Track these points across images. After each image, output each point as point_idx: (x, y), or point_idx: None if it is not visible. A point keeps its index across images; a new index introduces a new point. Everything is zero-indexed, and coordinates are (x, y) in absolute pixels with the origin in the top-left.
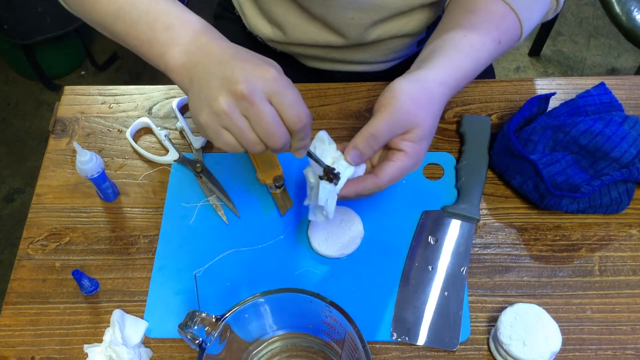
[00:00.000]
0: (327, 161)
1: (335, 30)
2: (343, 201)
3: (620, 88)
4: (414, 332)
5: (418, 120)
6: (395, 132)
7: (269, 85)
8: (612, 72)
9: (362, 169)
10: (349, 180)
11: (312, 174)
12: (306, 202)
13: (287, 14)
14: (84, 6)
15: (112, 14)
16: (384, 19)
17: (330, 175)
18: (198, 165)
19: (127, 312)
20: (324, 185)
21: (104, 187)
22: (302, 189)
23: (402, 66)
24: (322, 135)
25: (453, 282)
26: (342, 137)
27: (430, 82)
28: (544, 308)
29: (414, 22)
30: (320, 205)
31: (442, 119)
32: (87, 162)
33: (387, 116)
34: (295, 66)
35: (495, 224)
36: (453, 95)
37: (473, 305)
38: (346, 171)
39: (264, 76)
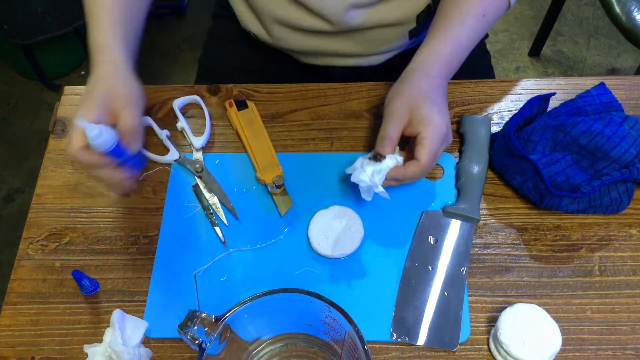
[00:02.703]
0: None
1: (316, 12)
2: (343, 201)
3: (620, 88)
4: (414, 332)
5: (412, 104)
6: (399, 125)
7: None
8: (612, 72)
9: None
10: (394, 167)
11: (359, 163)
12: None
13: (270, 1)
14: None
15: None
16: (363, 4)
17: (378, 156)
18: (198, 165)
19: (127, 312)
20: (371, 163)
21: (125, 159)
22: (302, 189)
23: (396, 60)
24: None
25: (453, 282)
26: (342, 137)
27: (409, 72)
28: (544, 308)
29: (402, 10)
30: (368, 184)
31: None
32: (97, 136)
33: (386, 119)
34: (291, 64)
35: (495, 224)
36: (440, 69)
37: (473, 305)
38: (388, 160)
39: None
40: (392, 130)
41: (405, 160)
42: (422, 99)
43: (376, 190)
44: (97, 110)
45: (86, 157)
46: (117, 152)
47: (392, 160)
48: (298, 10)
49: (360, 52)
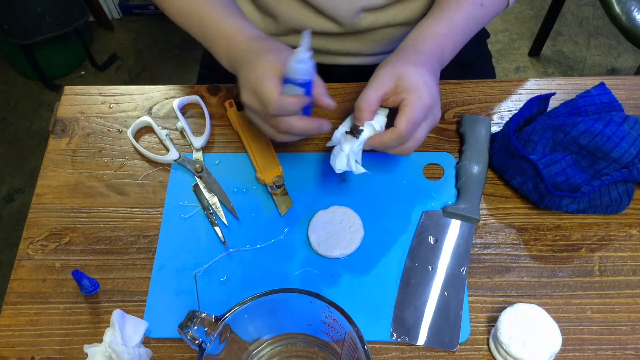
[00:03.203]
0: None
1: (327, 15)
2: (343, 201)
3: (620, 88)
4: (413, 332)
5: (398, 74)
6: (379, 90)
7: (252, 87)
8: (612, 72)
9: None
10: (372, 136)
11: (342, 130)
12: (332, 162)
13: (279, 1)
14: (161, 5)
15: (179, 22)
16: (375, 7)
17: (354, 130)
18: (198, 165)
19: (127, 312)
20: (348, 138)
21: (308, 95)
22: (302, 189)
23: None
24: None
25: (453, 282)
26: None
27: (400, 48)
28: (544, 308)
29: (408, 11)
30: (342, 160)
31: (442, 119)
32: (308, 59)
33: (367, 85)
34: None
35: (495, 224)
36: (431, 47)
37: (473, 305)
38: (365, 132)
39: (249, 81)
40: (371, 94)
41: None
42: (408, 69)
43: (355, 173)
44: (278, 69)
45: (285, 102)
46: (310, 88)
47: (369, 128)
48: (308, 12)
49: (366, 51)
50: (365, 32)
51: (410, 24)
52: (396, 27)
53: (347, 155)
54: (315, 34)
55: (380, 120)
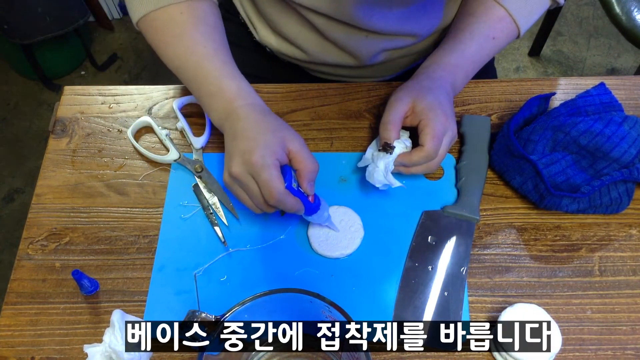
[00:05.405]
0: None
1: (348, 52)
2: (343, 201)
3: (620, 88)
4: None
5: (414, 95)
6: (400, 111)
7: (250, 167)
8: (612, 72)
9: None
10: (401, 153)
11: (370, 152)
12: (368, 178)
13: (301, 36)
14: (157, 50)
15: (174, 68)
16: (396, 48)
17: (387, 147)
18: (198, 165)
19: (127, 312)
20: (381, 155)
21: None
22: None
23: (402, 76)
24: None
25: (453, 282)
26: (342, 137)
27: (413, 76)
28: (544, 308)
29: (422, 45)
30: (379, 175)
31: None
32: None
33: (387, 108)
34: (298, 73)
35: (495, 224)
36: (442, 75)
37: (473, 305)
38: (397, 148)
39: (249, 160)
40: (394, 114)
41: None
42: (423, 92)
43: (393, 186)
44: (279, 152)
45: (287, 201)
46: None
47: (401, 145)
48: (331, 49)
49: (378, 75)
50: (380, 64)
51: (419, 53)
52: (408, 57)
53: (383, 171)
54: (333, 65)
55: (405, 139)
